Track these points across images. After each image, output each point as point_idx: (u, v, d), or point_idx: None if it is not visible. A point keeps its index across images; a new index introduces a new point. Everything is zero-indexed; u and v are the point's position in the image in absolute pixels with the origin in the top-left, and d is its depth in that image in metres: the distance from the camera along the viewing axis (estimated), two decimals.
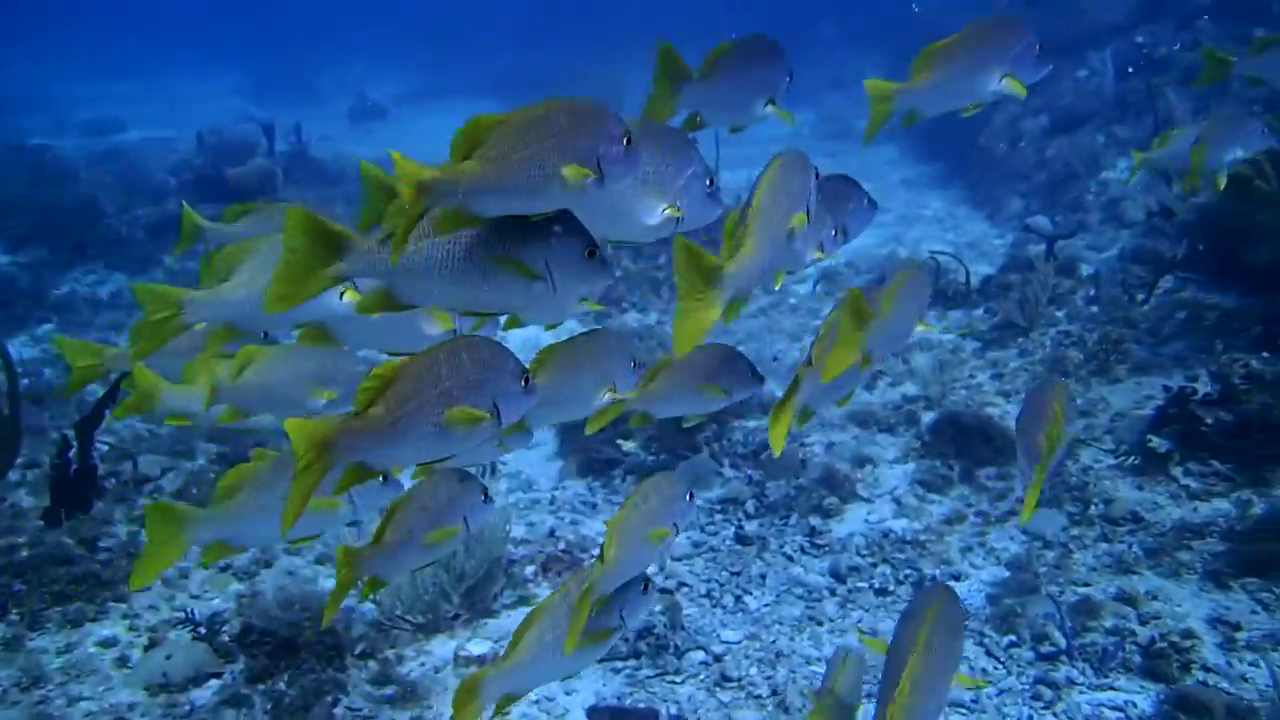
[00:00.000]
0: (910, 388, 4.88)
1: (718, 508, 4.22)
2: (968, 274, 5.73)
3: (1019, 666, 3.04)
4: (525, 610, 3.61)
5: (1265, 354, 3.86)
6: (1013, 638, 3.15)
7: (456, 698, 1.91)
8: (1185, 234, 5.11)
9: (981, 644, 3.18)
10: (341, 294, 1.77)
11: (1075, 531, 3.61)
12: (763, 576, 3.71)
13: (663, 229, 1.68)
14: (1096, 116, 9.35)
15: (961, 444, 4.26)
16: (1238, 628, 2.96)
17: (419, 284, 1.52)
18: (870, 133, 2.16)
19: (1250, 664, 2.84)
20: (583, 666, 2.26)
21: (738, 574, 3.75)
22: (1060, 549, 3.54)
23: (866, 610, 3.45)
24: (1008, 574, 3.49)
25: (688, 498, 1.97)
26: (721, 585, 3.70)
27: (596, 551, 3.93)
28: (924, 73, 2.07)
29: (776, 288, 2.07)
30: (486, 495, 1.96)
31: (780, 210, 1.67)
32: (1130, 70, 9.32)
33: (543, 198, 1.47)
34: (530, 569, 3.82)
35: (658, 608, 3.58)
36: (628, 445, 4.51)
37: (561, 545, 3.98)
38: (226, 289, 1.84)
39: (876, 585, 3.58)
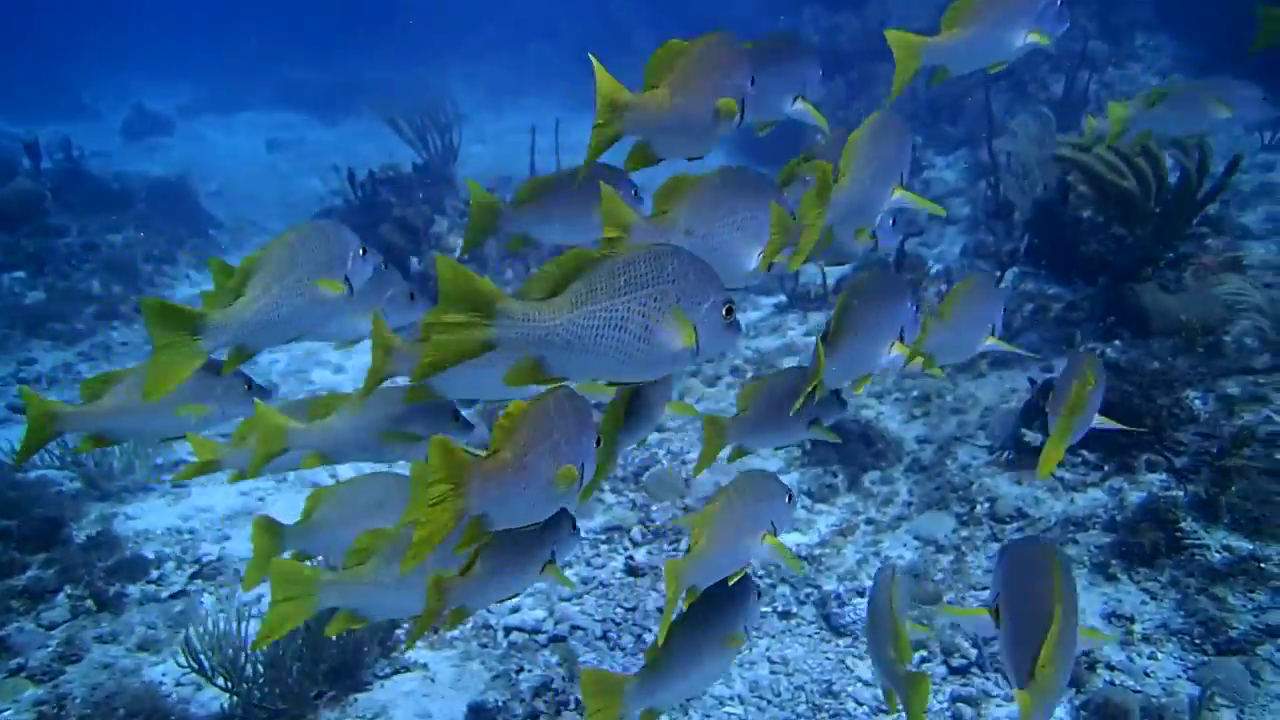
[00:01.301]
0: None
1: (602, 537, 3.93)
2: (824, 275, 5.74)
3: (934, 684, 2.95)
4: (405, 676, 3.24)
5: (1117, 342, 4.02)
6: (924, 653, 3.06)
7: None
8: (1025, 228, 5.33)
9: None
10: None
11: (965, 533, 3.60)
12: (661, 611, 3.45)
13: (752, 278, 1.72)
14: (913, 119, 9.82)
15: (843, 450, 4.19)
16: (1132, 620, 3.00)
17: (576, 356, 1.40)
18: (896, 90, 2.02)
19: (1149, 658, 2.87)
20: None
21: (633, 610, 3.48)
22: (954, 553, 3.50)
23: (773, 636, 3.27)
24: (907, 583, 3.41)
25: (787, 499, 1.93)
26: (618, 624, 3.41)
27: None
28: (954, 28, 2.00)
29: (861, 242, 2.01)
30: (574, 527, 1.86)
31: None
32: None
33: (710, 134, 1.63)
34: (405, 626, 3.38)
35: (553, 659, 3.26)
36: None
37: None
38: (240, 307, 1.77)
39: (779, 608, 3.41)
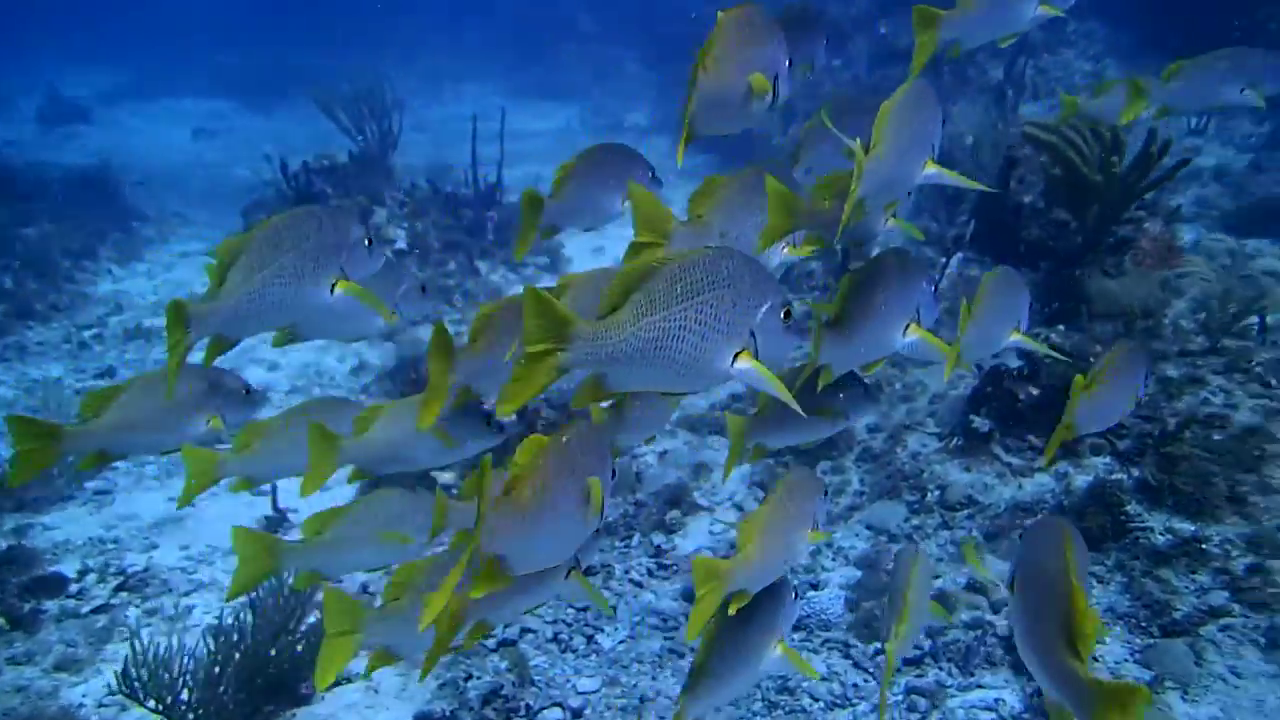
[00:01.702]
0: (735, 385, 4.74)
1: None
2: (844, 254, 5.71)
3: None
4: (347, 688, 3.10)
5: (1061, 327, 4.05)
6: (877, 644, 3.04)
7: None
8: (970, 214, 5.36)
9: (848, 655, 3.04)
10: (332, 287, 1.76)
11: (916, 521, 3.59)
12: (613, 609, 3.37)
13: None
14: (858, 103, 9.83)
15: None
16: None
17: (637, 369, 1.38)
18: (917, 65, 2.03)
19: (1097, 642, 2.88)
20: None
21: (585, 610, 3.39)
22: (906, 541, 3.49)
23: None
24: (860, 574, 3.39)
25: (824, 494, 1.93)
26: (569, 626, 3.32)
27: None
28: (969, 1, 2.07)
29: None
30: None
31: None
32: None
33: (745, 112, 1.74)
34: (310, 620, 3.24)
35: (502, 664, 3.15)
36: (444, 475, 3.99)
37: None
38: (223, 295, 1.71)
39: None
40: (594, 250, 7.81)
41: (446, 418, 1.91)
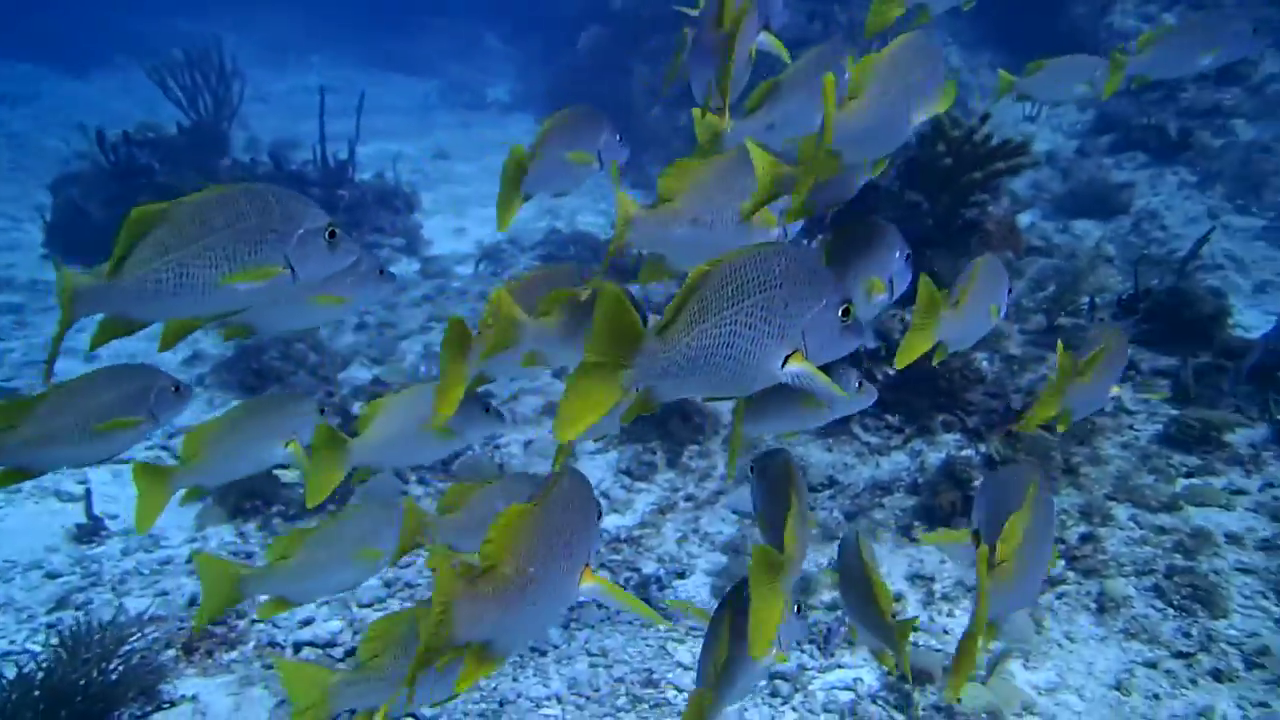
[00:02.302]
0: None
1: None
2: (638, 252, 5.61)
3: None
4: (170, 713, 2.79)
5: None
6: None
7: None
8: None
9: None
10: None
11: None
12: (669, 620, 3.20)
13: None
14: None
15: (662, 426, 4.08)
16: (932, 580, 3.08)
17: (688, 379, 1.32)
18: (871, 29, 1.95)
19: (947, 615, 2.96)
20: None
21: None
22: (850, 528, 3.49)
23: (592, 628, 3.11)
24: (725, 560, 3.36)
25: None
26: None
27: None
28: None
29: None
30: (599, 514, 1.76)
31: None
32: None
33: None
34: (169, 654, 2.94)
35: None
36: (288, 475, 3.69)
37: None
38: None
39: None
40: (455, 231, 7.52)
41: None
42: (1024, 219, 5.85)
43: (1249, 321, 4.86)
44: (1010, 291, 2.11)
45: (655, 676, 2.85)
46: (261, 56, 12.63)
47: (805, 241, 4.79)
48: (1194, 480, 3.22)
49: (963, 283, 1.93)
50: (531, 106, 11.23)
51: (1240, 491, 3.13)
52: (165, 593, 3.24)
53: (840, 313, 1.37)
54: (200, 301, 1.51)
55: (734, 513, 3.63)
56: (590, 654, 2.99)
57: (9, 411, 1.72)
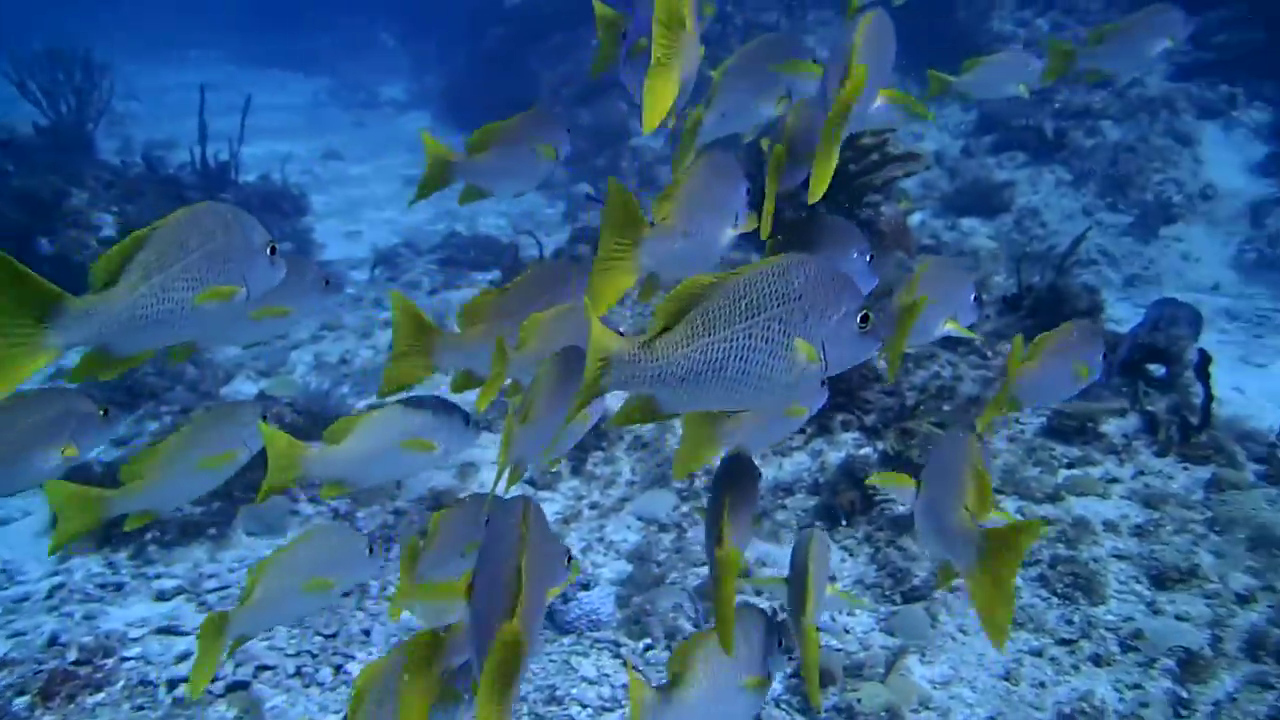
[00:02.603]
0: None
1: None
2: (541, 248, 5.53)
3: (658, 673, 2.87)
4: None
5: None
6: (648, 640, 2.98)
7: None
8: None
9: (618, 655, 2.96)
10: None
11: (685, 509, 3.58)
12: (367, 633, 3.07)
13: None
14: (615, 85, 9.89)
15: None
16: (833, 579, 3.12)
17: (693, 391, 1.31)
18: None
19: (847, 614, 3.00)
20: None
21: (333, 636, 3.06)
22: (676, 530, 3.47)
23: None
24: (630, 568, 3.33)
25: None
26: (315, 656, 2.98)
27: (130, 653, 2.95)
28: None
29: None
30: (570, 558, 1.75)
31: None
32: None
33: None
34: (21, 701, 2.72)
35: (230, 713, 2.77)
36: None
37: (73, 655, 2.89)
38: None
39: None
40: (348, 235, 7.26)
41: (427, 423, 1.82)
42: (914, 217, 6.03)
43: (1121, 314, 5.14)
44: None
45: (559, 693, 2.79)
46: (137, 51, 11.93)
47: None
48: (1074, 471, 3.37)
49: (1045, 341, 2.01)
50: (428, 105, 10.96)
51: (1115, 480, 3.29)
52: (21, 633, 2.99)
53: (859, 320, 1.35)
54: (175, 329, 1.48)
55: (639, 519, 3.60)
56: None
57: None
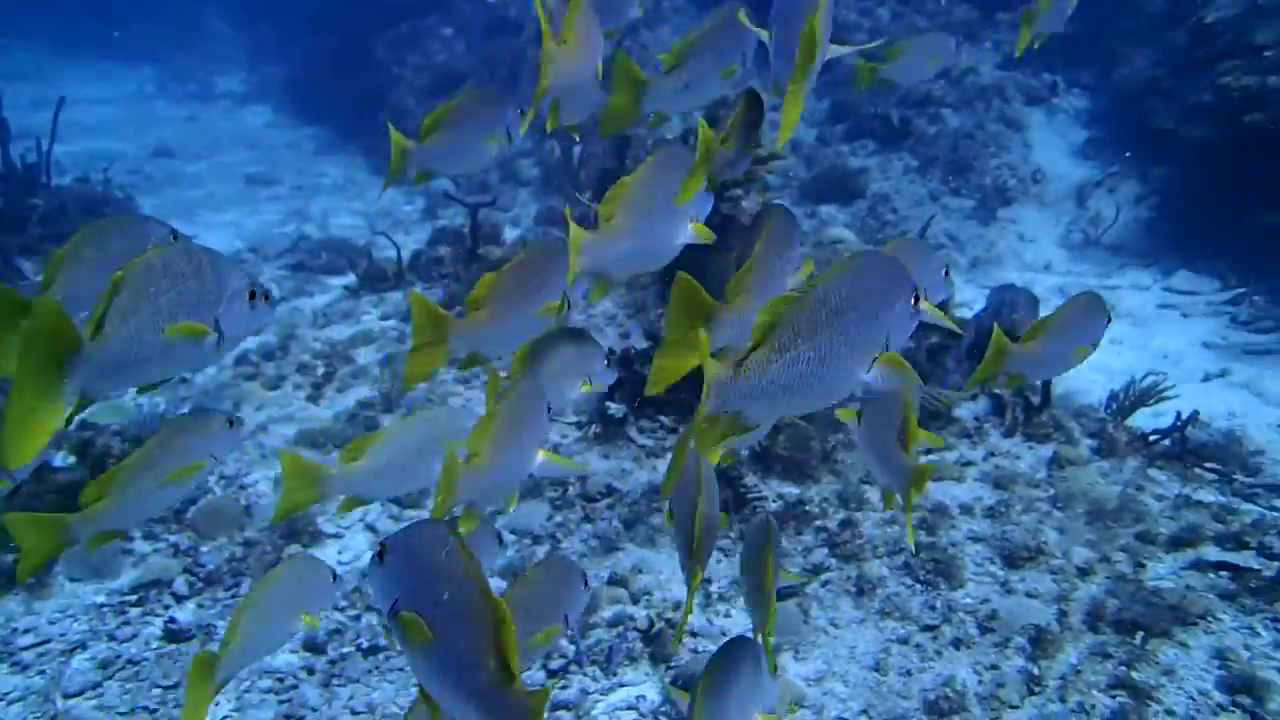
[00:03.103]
0: (361, 390, 4.29)
1: (131, 599, 3.16)
2: (398, 251, 5.28)
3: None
4: None
5: None
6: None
7: None
8: (591, 195, 5.40)
9: None
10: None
11: (559, 518, 3.50)
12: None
13: None
14: (471, 76, 9.62)
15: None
16: (710, 581, 3.13)
17: (778, 402, 1.34)
18: None
19: (725, 616, 3.01)
20: None
21: (174, 687, 2.82)
22: (550, 541, 3.39)
23: (357, 680, 2.86)
24: (504, 584, 3.22)
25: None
26: (152, 712, 2.74)
27: None
28: None
29: None
30: (586, 584, 1.91)
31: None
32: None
33: None
34: None
35: None
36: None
37: None
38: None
39: (365, 644, 3.00)
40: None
41: (446, 434, 1.86)
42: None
43: (967, 296, 5.41)
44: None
45: None
46: None
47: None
48: (932, 455, 3.50)
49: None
50: (269, 98, 10.30)
51: (969, 463, 3.44)
52: None
53: (913, 300, 1.43)
54: (152, 369, 1.51)
55: (511, 532, 3.49)
56: (355, 712, 2.75)
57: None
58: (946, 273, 2.12)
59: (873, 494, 3.33)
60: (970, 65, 8.69)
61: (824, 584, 3.00)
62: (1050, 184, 7.50)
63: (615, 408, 3.83)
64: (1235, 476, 3.55)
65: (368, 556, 3.45)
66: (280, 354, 4.58)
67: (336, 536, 3.56)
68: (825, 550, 3.10)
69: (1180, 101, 7.04)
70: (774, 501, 3.32)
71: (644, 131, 5.58)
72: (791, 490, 3.36)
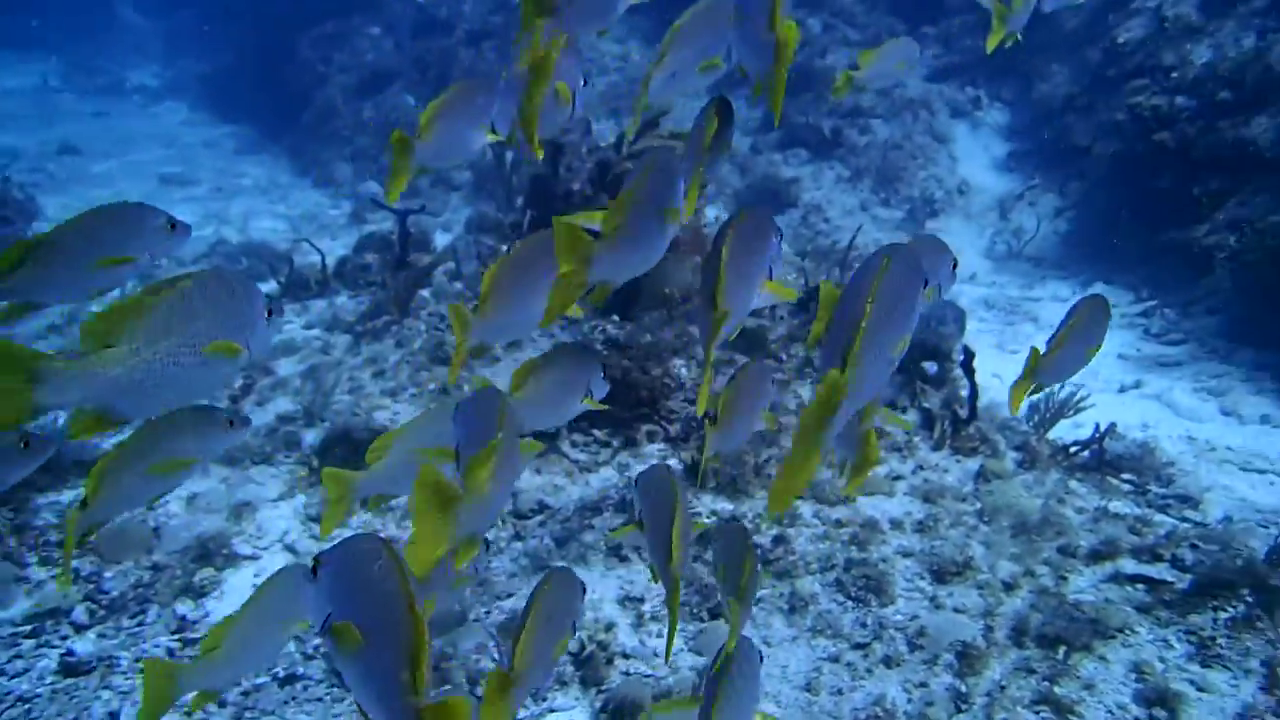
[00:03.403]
0: (282, 403, 4.12)
1: (24, 630, 2.96)
2: (323, 257, 5.09)
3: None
4: None
5: (616, 318, 4.16)
6: (447, 688, 2.80)
7: None
8: (524, 201, 5.31)
9: None
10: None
11: (491, 535, 3.41)
12: (113, 715, 2.68)
13: None
14: (399, 76, 9.42)
15: (355, 462, 3.72)
16: (642, 601, 3.08)
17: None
18: None
19: (657, 635, 2.97)
20: None
21: None
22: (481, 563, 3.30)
23: (271, 713, 2.73)
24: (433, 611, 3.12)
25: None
26: None
27: None
28: None
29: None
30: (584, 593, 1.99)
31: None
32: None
33: None
34: None
35: None
36: None
37: None
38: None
39: (281, 673, 2.87)
40: None
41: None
42: (709, 213, 6.14)
43: None
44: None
45: None
46: None
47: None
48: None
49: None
50: (185, 94, 9.87)
51: (899, 477, 3.48)
52: None
53: (952, 267, 1.66)
54: (173, 395, 1.60)
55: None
56: None
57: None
58: (954, 265, 2.23)
59: (805, 509, 3.33)
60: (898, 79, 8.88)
61: (757, 602, 2.99)
62: (975, 196, 7.70)
63: None
64: (1149, 487, 3.68)
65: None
66: None
67: (253, 558, 3.41)
68: (759, 567, 3.09)
69: (1095, 118, 7.31)
70: (708, 518, 3.30)
71: (576, 138, 5.53)
72: (725, 506, 3.34)
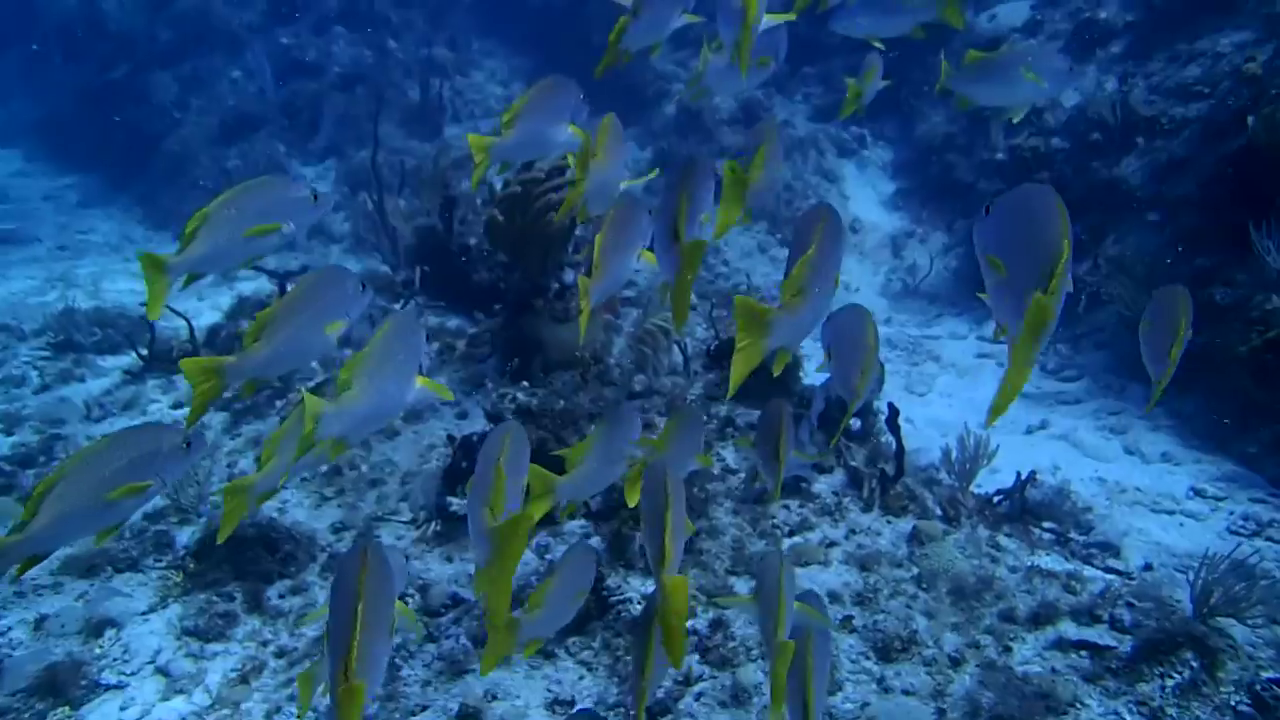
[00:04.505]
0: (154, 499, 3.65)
1: None
2: (190, 324, 4.60)
3: None
4: None
5: (525, 384, 3.91)
6: None
7: None
8: (410, 258, 4.99)
9: None
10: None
11: (397, 639, 3.07)
12: None
13: None
14: (268, 123, 8.94)
15: (240, 561, 3.31)
16: (572, 703, 2.83)
17: None
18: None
19: None
20: None
21: None
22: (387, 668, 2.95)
23: None
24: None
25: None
26: None
27: None
28: None
29: None
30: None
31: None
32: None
33: None
34: None
35: None
36: None
37: None
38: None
39: None
40: None
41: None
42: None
43: (805, 350, 5.44)
44: None
45: None
46: None
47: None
48: (797, 539, 3.39)
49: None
50: (18, 141, 8.98)
51: (833, 543, 3.35)
52: None
53: None
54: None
55: None
56: None
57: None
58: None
59: (741, 585, 3.16)
60: (785, 118, 9.03)
61: (697, 697, 2.78)
62: (867, 234, 7.84)
63: (457, 503, 3.46)
64: (1071, 536, 3.69)
65: (158, 707, 2.88)
66: (43, 459, 3.84)
67: (118, 688, 2.96)
68: (696, 657, 2.89)
69: (976, 156, 7.59)
70: (638, 604, 3.08)
71: (468, 188, 5.26)
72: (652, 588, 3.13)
